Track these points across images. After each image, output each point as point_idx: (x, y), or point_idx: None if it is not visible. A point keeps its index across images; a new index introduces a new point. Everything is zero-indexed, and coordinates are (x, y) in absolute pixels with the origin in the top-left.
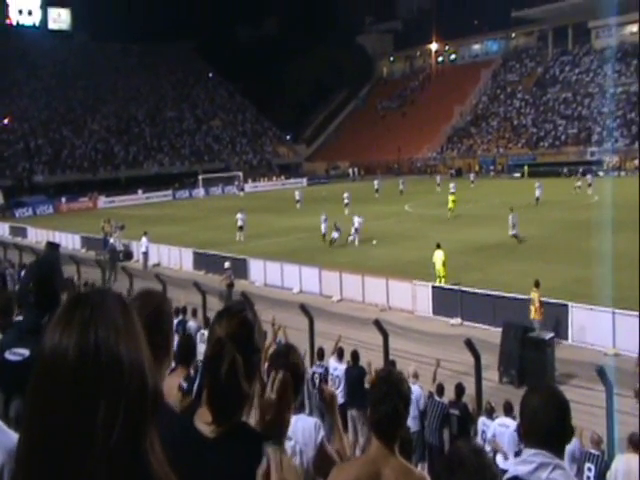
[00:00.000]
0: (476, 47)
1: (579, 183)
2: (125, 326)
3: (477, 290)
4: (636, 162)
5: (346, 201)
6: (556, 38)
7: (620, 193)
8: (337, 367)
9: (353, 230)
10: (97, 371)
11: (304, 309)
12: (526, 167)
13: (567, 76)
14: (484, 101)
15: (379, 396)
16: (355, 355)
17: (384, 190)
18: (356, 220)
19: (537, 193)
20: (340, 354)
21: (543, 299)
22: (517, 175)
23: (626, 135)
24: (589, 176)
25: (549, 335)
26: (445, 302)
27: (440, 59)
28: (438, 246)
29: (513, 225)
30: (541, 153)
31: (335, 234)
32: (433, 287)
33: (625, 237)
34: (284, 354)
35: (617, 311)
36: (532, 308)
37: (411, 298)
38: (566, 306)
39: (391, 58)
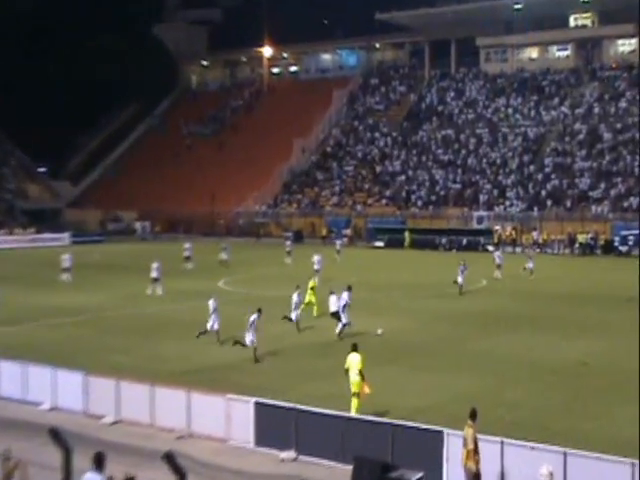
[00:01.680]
0: (326, 57)
1: (461, 267)
2: None
3: (319, 409)
4: (534, 234)
5: (154, 274)
6: (434, 55)
7: (513, 280)
8: None
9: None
10: None
11: (57, 436)
12: (407, 234)
13: (448, 107)
14: (336, 135)
15: None
16: None
17: (198, 257)
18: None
19: (459, 280)
20: None
21: (412, 424)
22: (379, 244)
23: (523, 197)
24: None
25: (416, 475)
26: (273, 426)
27: (276, 70)
28: (354, 348)
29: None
30: (412, 215)
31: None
32: (257, 404)
33: (519, 339)
34: None
35: (507, 440)
36: (464, 451)
37: (224, 419)
38: (441, 433)
39: (204, 62)
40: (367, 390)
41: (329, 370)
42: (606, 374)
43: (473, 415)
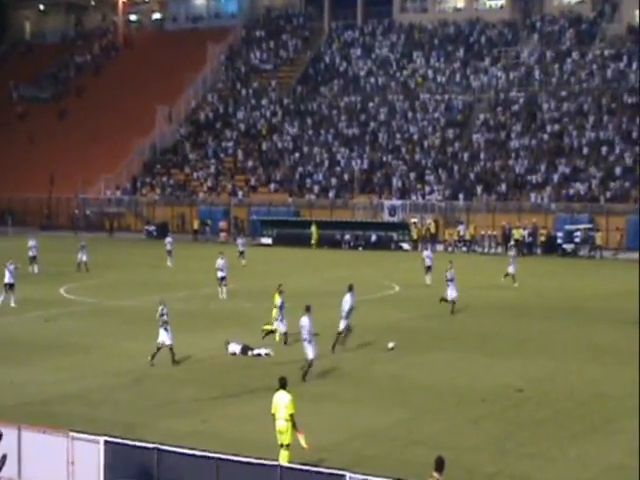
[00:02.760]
0: (199, 3)
1: (448, 274)
2: None
3: (190, 450)
4: (460, 229)
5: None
6: (336, 2)
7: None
8: None
9: None
10: None
11: None
12: (314, 228)
13: (353, 68)
14: (212, 102)
15: None
16: None
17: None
18: None
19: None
20: None
21: (302, 466)
22: (266, 241)
23: (445, 182)
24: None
25: None
26: (129, 470)
27: (134, 18)
28: (282, 384)
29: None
30: (307, 204)
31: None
32: (107, 443)
33: (440, 360)
34: None
35: None
36: None
37: (65, 463)
38: (343, 477)
39: (41, 5)
40: (304, 444)
41: (202, 401)
42: (547, 403)
43: (439, 466)
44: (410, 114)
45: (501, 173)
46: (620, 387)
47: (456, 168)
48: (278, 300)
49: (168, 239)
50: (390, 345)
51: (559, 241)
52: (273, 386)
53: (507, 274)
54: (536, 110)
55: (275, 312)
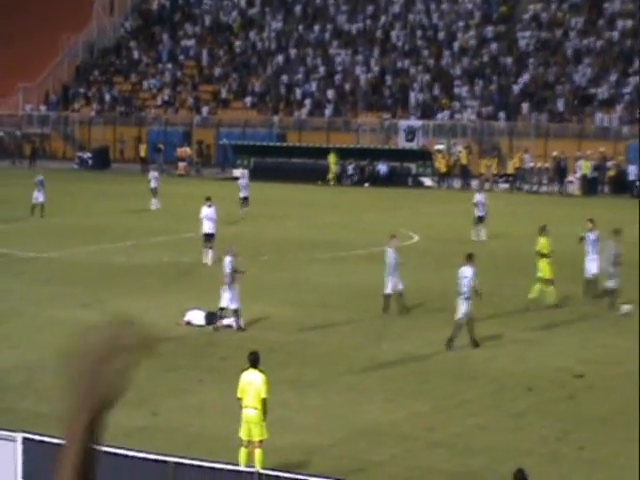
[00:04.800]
0: None
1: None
2: None
3: (138, 452)
4: (525, 157)
5: None
6: None
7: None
8: None
9: None
10: None
11: None
12: (332, 157)
13: None
14: None
15: None
16: None
17: None
18: None
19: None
20: None
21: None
22: (238, 173)
23: (480, 96)
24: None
25: None
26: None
27: None
28: (253, 361)
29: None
30: (296, 124)
31: None
32: (27, 441)
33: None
34: None
35: None
36: None
37: None
38: None
39: None
40: (258, 460)
41: (152, 387)
42: (613, 393)
43: None
44: (434, 4)
45: (556, 86)
46: None
47: (495, 78)
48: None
49: (153, 174)
50: (625, 308)
51: (632, 177)
52: (242, 368)
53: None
54: (603, 0)
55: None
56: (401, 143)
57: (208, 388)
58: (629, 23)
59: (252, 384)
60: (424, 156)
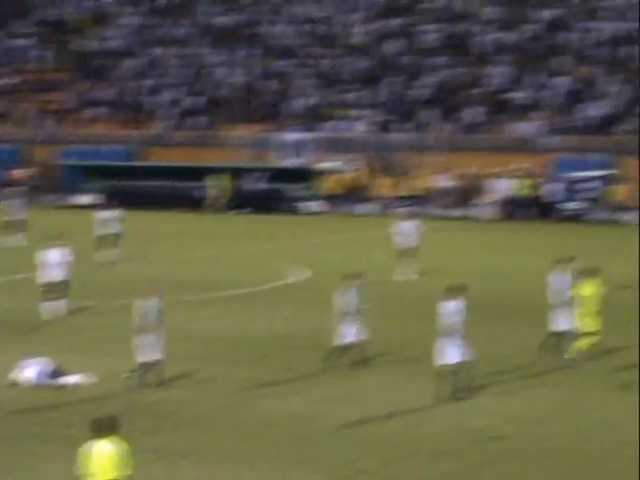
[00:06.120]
0: None
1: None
2: None
3: None
4: (436, 178)
5: None
6: None
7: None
8: None
9: None
10: None
11: None
12: (215, 180)
13: None
14: None
15: None
16: None
17: None
18: None
19: None
20: None
21: None
22: (85, 200)
23: (378, 103)
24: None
25: None
26: None
27: None
28: (106, 429)
29: None
30: (155, 139)
31: None
32: None
33: None
34: None
35: None
36: None
37: None
38: None
39: None
40: None
41: None
42: (541, 456)
43: None
44: None
45: (466, 87)
46: None
47: (395, 81)
48: None
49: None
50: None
51: (556, 198)
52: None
53: None
54: None
55: None
56: (282, 160)
57: (47, 463)
58: (548, 14)
59: (100, 457)
60: (311, 176)
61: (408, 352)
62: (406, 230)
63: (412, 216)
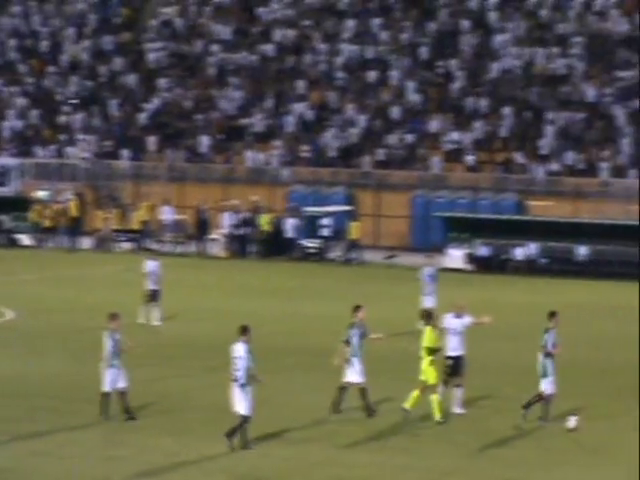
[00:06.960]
0: None
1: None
2: None
3: None
4: (163, 211)
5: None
6: None
7: None
8: None
9: None
10: None
11: None
12: None
13: None
14: None
15: None
16: None
17: None
18: None
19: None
20: None
21: None
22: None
23: (94, 127)
24: None
25: None
26: None
27: None
28: None
29: None
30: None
31: None
32: None
33: None
34: None
35: None
36: None
37: None
38: None
39: None
40: None
41: None
42: None
43: None
44: (34, 4)
45: (194, 112)
46: None
47: (116, 104)
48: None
49: None
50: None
51: (291, 234)
52: None
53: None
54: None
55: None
56: None
57: None
58: (290, 33)
59: None
60: (20, 206)
61: None
62: (155, 270)
63: (153, 255)
